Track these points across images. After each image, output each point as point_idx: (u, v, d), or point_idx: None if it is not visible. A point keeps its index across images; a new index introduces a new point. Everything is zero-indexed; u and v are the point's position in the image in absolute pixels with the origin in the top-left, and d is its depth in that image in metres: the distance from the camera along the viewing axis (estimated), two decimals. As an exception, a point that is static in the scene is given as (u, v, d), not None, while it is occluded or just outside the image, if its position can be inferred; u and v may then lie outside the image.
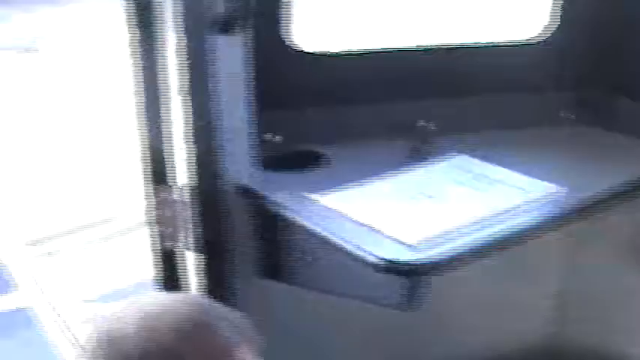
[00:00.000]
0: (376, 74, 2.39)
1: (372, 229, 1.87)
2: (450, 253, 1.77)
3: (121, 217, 5.60)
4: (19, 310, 4.77)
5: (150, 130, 1.99)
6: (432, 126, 2.36)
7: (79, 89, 8.26)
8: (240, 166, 2.03)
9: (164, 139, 1.98)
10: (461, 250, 1.79)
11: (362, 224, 1.89)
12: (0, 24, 18.47)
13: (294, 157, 2.26)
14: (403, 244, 1.80)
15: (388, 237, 1.83)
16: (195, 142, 2.00)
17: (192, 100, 1.97)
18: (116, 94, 7.13)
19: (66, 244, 5.49)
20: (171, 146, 2.01)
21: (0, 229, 5.62)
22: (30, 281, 5.04)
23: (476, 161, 2.24)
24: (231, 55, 1.96)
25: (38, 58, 9.93)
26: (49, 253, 5.39)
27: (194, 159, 2.00)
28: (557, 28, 2.45)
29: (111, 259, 5.26)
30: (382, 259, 1.74)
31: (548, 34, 2.47)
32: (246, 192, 2.03)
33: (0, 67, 9.33)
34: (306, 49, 2.32)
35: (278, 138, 2.26)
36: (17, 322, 4.66)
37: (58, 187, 5.98)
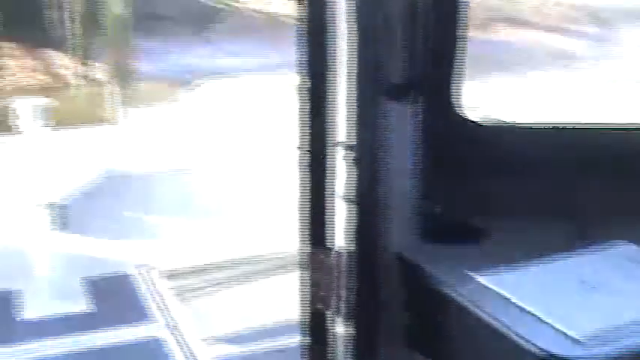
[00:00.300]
0: (545, 149, 2.30)
1: (533, 316, 1.78)
2: (619, 352, 1.66)
3: (271, 254, 5.64)
4: (152, 340, 4.84)
5: (311, 189, 1.96)
6: (600, 208, 2.25)
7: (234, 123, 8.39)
8: (400, 234, 1.97)
9: (325, 200, 1.95)
10: (631, 350, 1.68)
11: (523, 310, 1.80)
12: (160, 59, 19.27)
13: (453, 229, 2.18)
14: (568, 337, 1.70)
15: (551, 328, 1.73)
16: (358, 206, 1.95)
17: (359, 164, 1.93)
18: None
19: (210, 277, 5.56)
20: (332, 208, 1.97)
21: (147, 258, 5.74)
22: (165, 313, 5.11)
23: (646, 252, 2.11)
24: (401, 122, 1.92)
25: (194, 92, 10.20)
26: (191, 286, 5.47)
27: (354, 223, 1.95)
28: None
29: (253, 298, 5.29)
30: (546, 351, 1.65)
31: None
32: (403, 261, 1.98)
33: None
34: (475, 120, 2.25)
35: (439, 208, 2.20)
36: (150, 352, 4.73)
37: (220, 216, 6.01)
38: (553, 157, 2.30)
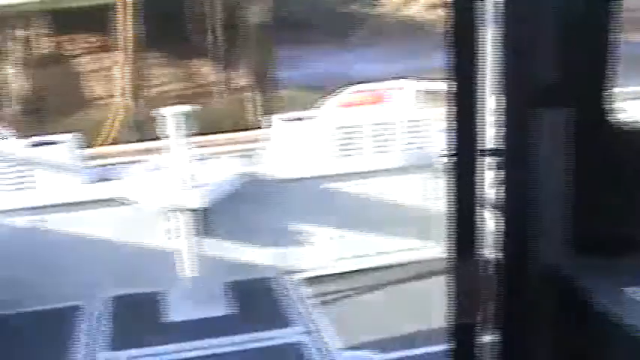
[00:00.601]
0: None
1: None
2: None
3: (417, 260, 5.62)
4: (293, 345, 4.87)
5: (458, 197, 1.92)
6: None
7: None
8: (550, 245, 1.91)
9: (473, 208, 1.91)
10: None
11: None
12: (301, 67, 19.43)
13: (608, 241, 2.09)
14: None
15: None
16: (506, 215, 1.90)
17: (508, 171, 1.88)
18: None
19: (353, 283, 5.57)
20: (481, 216, 1.93)
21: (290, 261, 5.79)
22: (306, 318, 5.14)
23: None
24: (551, 128, 1.86)
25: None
26: (333, 292, 5.49)
27: (503, 233, 1.90)
28: None
29: (396, 305, 5.26)
30: None
31: None
32: (553, 273, 1.91)
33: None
34: (629, 126, 2.15)
35: (592, 219, 2.11)
36: (290, 357, 4.77)
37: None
38: None
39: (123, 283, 5.53)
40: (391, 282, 5.55)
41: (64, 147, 5.46)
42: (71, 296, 5.42)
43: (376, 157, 5.69)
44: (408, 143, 5.72)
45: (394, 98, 7.98)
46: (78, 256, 5.46)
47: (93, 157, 7.98)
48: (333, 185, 5.67)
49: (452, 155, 1.87)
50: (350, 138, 5.66)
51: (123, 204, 5.38)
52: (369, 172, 5.70)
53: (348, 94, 6.02)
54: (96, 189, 5.46)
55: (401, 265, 5.70)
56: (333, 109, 5.77)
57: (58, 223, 5.42)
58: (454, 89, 1.86)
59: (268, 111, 8.59)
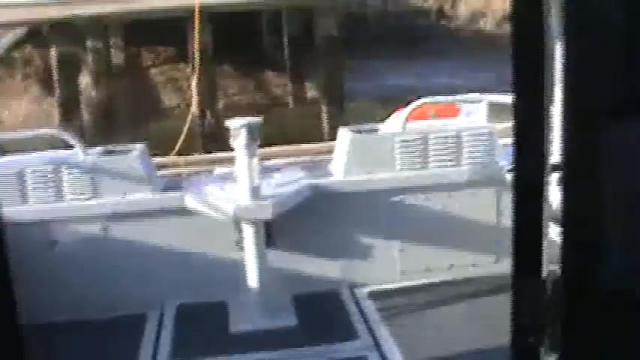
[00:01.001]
0: None
1: None
2: None
3: (483, 276, 5.55)
4: (357, 359, 4.85)
5: (524, 213, 1.87)
6: None
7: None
8: (615, 264, 1.85)
9: (539, 225, 1.86)
10: None
11: None
12: (373, 79, 19.45)
13: None
14: None
15: None
16: (570, 232, 1.85)
17: (573, 188, 1.82)
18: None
19: (417, 298, 5.52)
20: (546, 233, 1.88)
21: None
22: (371, 332, 5.11)
23: None
24: (618, 143, 1.80)
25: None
26: (398, 307, 5.45)
27: (571, 252, 1.85)
28: None
29: (461, 321, 5.21)
30: None
31: None
32: (617, 293, 1.85)
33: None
34: None
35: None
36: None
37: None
38: None
39: (190, 292, 5.56)
40: (458, 297, 5.48)
41: (134, 156, 5.52)
42: (138, 305, 5.47)
43: (444, 171, 5.63)
44: (478, 157, 5.65)
45: (465, 111, 7.92)
46: (145, 265, 5.51)
47: (164, 167, 8.09)
48: (400, 198, 5.63)
49: (518, 170, 1.83)
50: (418, 151, 5.61)
51: (192, 214, 5.42)
52: (437, 185, 5.64)
53: (418, 106, 5.98)
54: (165, 199, 5.51)
55: (468, 280, 5.62)
56: (402, 122, 5.73)
57: (127, 232, 5.48)
58: (521, 103, 1.82)
59: (338, 123, 8.58)
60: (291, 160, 6.93)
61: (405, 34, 23.87)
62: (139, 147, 5.66)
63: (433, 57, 22.45)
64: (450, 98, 7.13)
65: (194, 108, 14.26)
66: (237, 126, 5.09)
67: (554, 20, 1.86)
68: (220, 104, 17.60)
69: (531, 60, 1.80)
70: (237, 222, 5.30)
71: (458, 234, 5.70)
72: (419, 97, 6.06)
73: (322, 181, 5.62)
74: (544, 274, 1.91)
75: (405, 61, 22.06)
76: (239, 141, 5.09)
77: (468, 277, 5.66)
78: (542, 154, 1.85)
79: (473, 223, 5.69)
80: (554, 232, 1.90)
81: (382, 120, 7.34)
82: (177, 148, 11.11)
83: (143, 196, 5.47)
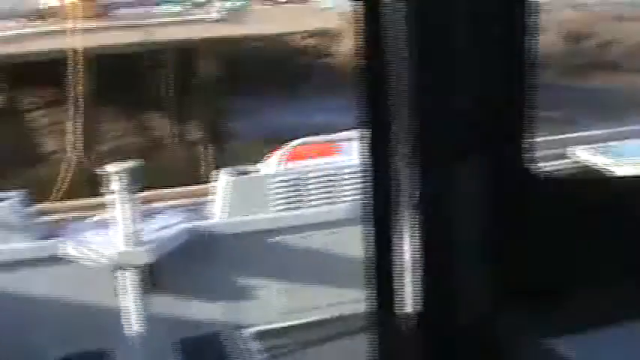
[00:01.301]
0: (630, 203, 2.20)
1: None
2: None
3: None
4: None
5: (377, 251, 1.93)
6: None
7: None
8: (469, 301, 1.92)
9: (391, 263, 1.91)
10: None
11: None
12: (253, 119, 19.41)
13: (528, 295, 2.11)
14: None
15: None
16: (424, 270, 1.91)
17: (424, 225, 1.89)
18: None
19: (298, 338, 5.53)
20: (400, 271, 1.94)
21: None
22: None
23: None
24: (467, 179, 1.88)
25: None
26: (281, 347, 5.46)
27: (425, 286, 1.91)
28: None
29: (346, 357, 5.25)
30: None
31: None
32: (473, 330, 1.92)
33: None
34: (549, 175, 2.19)
35: (514, 270, 2.13)
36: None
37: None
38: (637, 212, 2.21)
39: (70, 342, 5.46)
40: (342, 334, 5.54)
41: (10, 204, 5.41)
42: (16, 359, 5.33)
43: (323, 210, 5.71)
44: (358, 194, 5.74)
45: (345, 149, 8.03)
46: (22, 316, 5.38)
47: (42, 214, 7.92)
48: (279, 238, 5.68)
49: (368, 208, 1.89)
50: (297, 190, 5.68)
51: (70, 262, 5.34)
52: (316, 224, 5.71)
53: (297, 146, 6.05)
54: (42, 247, 5.41)
55: (352, 316, 5.69)
56: (281, 162, 5.79)
57: (3, 282, 5.35)
58: (368, 139, 1.87)
59: (219, 164, 8.58)
60: (172, 202, 6.91)
61: (286, 72, 24.05)
62: (13, 195, 5.55)
63: (315, 95, 22.68)
64: (328, 137, 7.23)
65: (71, 153, 14.04)
66: (116, 170, 5.06)
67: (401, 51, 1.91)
68: (103, 147, 17.36)
69: (376, 93, 1.86)
70: (116, 268, 5.25)
71: (340, 271, 5.76)
72: (300, 136, 6.15)
73: (202, 223, 5.62)
74: (399, 311, 1.96)
75: (286, 100, 22.21)
76: (118, 185, 5.06)
77: (351, 313, 5.72)
78: (391, 191, 1.91)
79: (355, 260, 5.74)
80: (408, 268, 1.97)
81: (262, 160, 7.39)
82: (56, 194, 10.90)
83: (18, 246, 5.36)
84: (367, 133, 1.89)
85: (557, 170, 4.39)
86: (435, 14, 1.85)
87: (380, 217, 1.89)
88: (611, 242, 2.17)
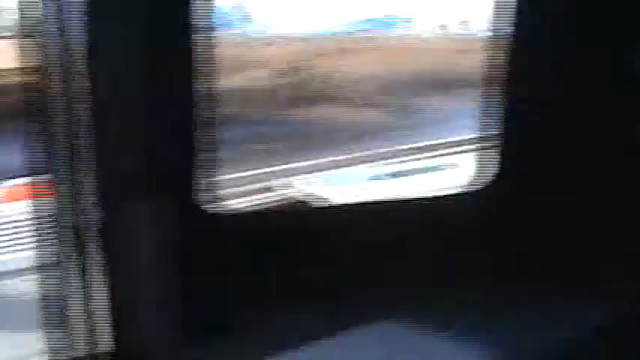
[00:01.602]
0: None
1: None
2: None
3: None
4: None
5: (59, 295, 1.91)
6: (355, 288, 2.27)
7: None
8: (153, 337, 1.94)
9: (77, 304, 1.91)
10: None
11: None
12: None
13: (207, 328, 2.12)
14: None
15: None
16: (112, 311, 1.92)
17: (112, 270, 1.90)
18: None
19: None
20: (88, 311, 1.93)
21: None
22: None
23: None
24: (146, 219, 1.90)
25: None
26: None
27: (111, 329, 1.92)
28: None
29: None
30: None
31: None
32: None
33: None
34: (223, 212, 2.21)
35: (191, 307, 2.13)
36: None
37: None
38: (317, 239, 2.31)
39: None
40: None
41: None
42: None
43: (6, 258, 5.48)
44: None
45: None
46: None
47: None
48: None
49: (46, 251, 1.87)
50: None
51: None
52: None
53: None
54: None
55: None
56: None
57: None
58: (45, 179, 1.85)
59: None
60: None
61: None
62: None
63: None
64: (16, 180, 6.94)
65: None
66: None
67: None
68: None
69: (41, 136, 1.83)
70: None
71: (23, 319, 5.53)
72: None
73: None
74: (93, 351, 1.96)
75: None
76: None
77: None
78: (69, 233, 1.90)
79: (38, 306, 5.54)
80: (97, 312, 1.97)
81: None
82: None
83: None
84: (42, 175, 1.87)
85: (260, 204, 4.48)
86: (107, 59, 1.87)
87: (61, 261, 1.88)
88: (289, 269, 2.27)
